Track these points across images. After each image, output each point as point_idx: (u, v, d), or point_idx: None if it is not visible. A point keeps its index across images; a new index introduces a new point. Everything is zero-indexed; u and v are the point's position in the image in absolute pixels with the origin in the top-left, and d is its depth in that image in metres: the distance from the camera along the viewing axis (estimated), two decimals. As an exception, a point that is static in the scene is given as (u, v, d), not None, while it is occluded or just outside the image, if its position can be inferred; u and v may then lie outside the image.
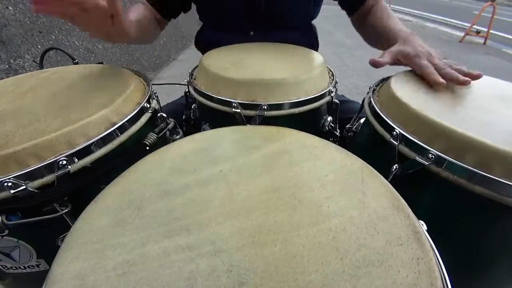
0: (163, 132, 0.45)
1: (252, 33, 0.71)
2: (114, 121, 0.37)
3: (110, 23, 0.40)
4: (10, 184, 0.29)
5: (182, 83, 0.66)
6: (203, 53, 0.66)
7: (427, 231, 0.23)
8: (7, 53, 1.20)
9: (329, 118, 0.56)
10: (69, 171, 0.32)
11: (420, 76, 0.47)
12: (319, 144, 0.34)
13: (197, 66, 0.59)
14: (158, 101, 0.49)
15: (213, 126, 0.50)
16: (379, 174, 0.28)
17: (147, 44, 0.63)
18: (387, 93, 0.44)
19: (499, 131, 0.33)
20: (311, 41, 0.76)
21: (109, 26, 0.41)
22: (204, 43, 0.76)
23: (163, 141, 0.45)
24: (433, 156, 0.33)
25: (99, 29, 0.42)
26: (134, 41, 0.56)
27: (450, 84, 0.44)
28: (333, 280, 0.18)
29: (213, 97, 0.48)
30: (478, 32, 3.84)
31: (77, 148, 0.33)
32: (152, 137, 0.42)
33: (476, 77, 0.44)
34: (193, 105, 0.59)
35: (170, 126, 0.47)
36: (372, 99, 0.46)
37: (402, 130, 0.37)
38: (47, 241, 0.35)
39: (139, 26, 0.56)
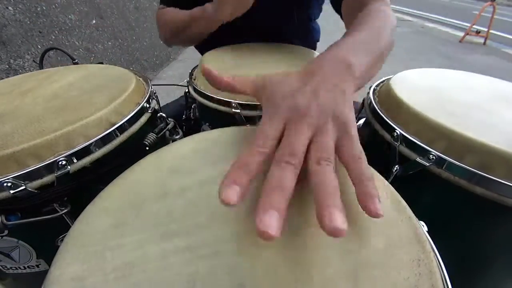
0: (162, 132, 0.45)
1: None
2: (114, 121, 0.37)
3: None
4: (9, 184, 0.29)
5: (182, 83, 0.66)
6: (202, 53, 0.67)
7: (428, 232, 0.23)
8: (7, 53, 1.20)
9: (329, 118, 0.56)
10: (69, 171, 0.32)
11: (421, 77, 0.47)
12: (319, 144, 0.33)
13: (197, 66, 0.59)
14: (157, 101, 0.49)
15: (213, 126, 0.50)
16: (379, 175, 0.28)
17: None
18: (387, 93, 0.44)
19: (500, 132, 0.33)
20: (311, 41, 0.77)
21: None
22: (204, 42, 0.76)
23: (162, 141, 0.44)
24: (434, 157, 0.33)
25: None
26: None
27: (450, 84, 0.44)
28: (333, 281, 0.18)
29: (212, 97, 0.48)
30: (478, 32, 3.84)
31: (77, 149, 0.33)
32: (151, 137, 0.42)
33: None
34: (193, 105, 0.58)
35: (169, 126, 0.47)
36: (372, 99, 0.46)
37: (403, 131, 0.37)
38: (47, 241, 0.35)
39: None
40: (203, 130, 0.51)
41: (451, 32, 4.47)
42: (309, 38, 0.77)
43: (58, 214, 0.32)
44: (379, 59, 0.34)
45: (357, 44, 0.32)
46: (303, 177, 0.21)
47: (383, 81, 0.51)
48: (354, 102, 0.79)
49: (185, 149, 0.33)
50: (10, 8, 1.25)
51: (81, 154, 0.33)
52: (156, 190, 0.27)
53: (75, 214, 0.28)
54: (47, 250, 0.35)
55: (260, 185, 0.26)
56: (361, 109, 0.53)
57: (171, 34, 0.66)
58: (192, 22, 0.59)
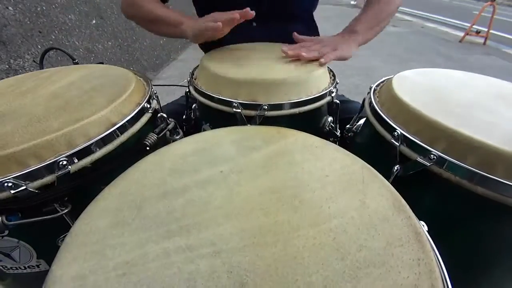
0: (163, 133, 0.45)
1: (254, 24, 0.71)
2: (114, 121, 0.37)
3: None
4: (10, 184, 0.29)
5: (182, 83, 0.66)
6: (205, 51, 0.66)
7: (428, 231, 0.23)
8: (7, 53, 1.20)
9: (330, 118, 0.56)
10: (69, 171, 0.32)
11: (421, 77, 0.47)
12: (319, 144, 0.33)
13: (198, 66, 0.59)
14: (158, 101, 0.49)
15: (214, 126, 0.50)
16: (379, 175, 0.28)
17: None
18: (388, 93, 0.44)
19: (501, 131, 0.33)
20: (313, 34, 0.77)
21: None
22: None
23: (163, 142, 0.44)
24: (434, 157, 0.33)
25: None
26: None
27: (450, 84, 0.44)
28: (334, 281, 0.18)
29: (214, 97, 0.48)
30: (478, 32, 3.84)
31: (77, 149, 0.33)
32: (152, 137, 0.42)
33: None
34: (194, 105, 0.58)
35: (170, 126, 0.47)
36: (372, 99, 0.46)
37: (403, 131, 0.37)
38: (47, 241, 0.35)
39: None
40: (204, 130, 0.51)
41: (451, 32, 4.47)
42: (311, 28, 0.78)
43: (58, 214, 0.32)
44: (378, 28, 0.67)
45: (363, 19, 0.65)
46: None
47: (383, 81, 0.51)
48: (355, 102, 0.80)
49: (185, 149, 0.33)
50: (10, 8, 1.25)
51: (81, 154, 0.33)
52: (157, 189, 0.27)
53: (75, 214, 0.28)
54: (48, 250, 0.35)
55: (252, 193, 0.26)
56: (361, 109, 0.53)
57: (135, 16, 0.66)
58: (164, 24, 0.61)
